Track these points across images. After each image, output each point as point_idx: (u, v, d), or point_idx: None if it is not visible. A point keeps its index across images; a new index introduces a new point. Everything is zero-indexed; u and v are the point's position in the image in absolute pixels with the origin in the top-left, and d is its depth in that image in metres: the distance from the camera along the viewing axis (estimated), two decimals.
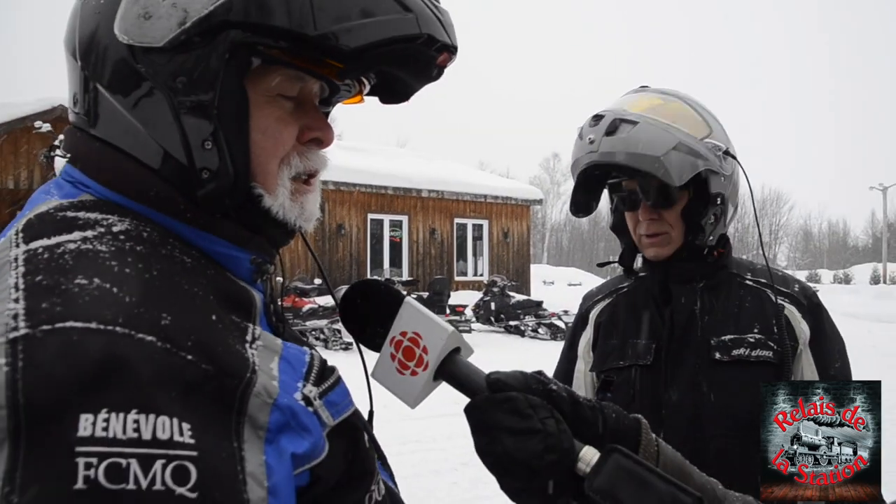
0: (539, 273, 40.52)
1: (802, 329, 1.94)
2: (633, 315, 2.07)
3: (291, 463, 0.75)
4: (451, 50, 0.94)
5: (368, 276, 22.03)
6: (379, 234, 24.04)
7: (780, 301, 1.97)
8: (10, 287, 0.71)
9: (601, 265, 2.35)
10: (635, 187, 1.95)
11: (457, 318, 17.25)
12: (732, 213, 2.03)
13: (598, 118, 1.90)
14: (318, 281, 17.82)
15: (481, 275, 25.66)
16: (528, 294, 24.60)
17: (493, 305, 19.48)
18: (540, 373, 0.99)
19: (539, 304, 19.47)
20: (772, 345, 1.90)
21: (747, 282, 2.03)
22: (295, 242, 1.06)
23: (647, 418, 1.88)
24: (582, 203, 2.06)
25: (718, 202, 1.91)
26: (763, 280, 2.02)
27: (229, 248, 0.91)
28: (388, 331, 1.02)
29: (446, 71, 1.00)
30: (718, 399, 1.88)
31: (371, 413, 1.08)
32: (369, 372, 1.05)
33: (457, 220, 25.64)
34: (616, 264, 2.21)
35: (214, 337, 0.75)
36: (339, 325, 12.92)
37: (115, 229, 0.81)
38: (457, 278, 25.16)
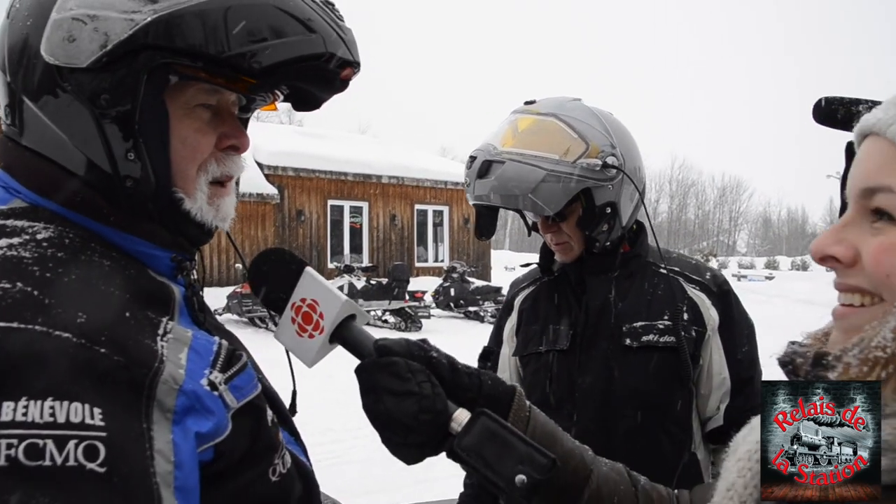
0: (501, 259, 40.71)
1: (711, 315, 2.05)
2: (554, 303, 2.18)
3: (196, 440, 0.84)
4: (354, 65, 1.03)
5: (329, 263, 21.95)
6: (339, 220, 23.95)
7: (690, 288, 2.08)
8: None
9: (524, 266, 2.48)
10: None
11: (416, 303, 17.19)
12: (638, 200, 2.11)
13: (472, 159, 2.06)
14: None
15: (442, 261, 25.73)
16: (489, 280, 24.72)
17: (452, 291, 19.51)
18: (424, 341, 1.09)
19: (498, 290, 19.54)
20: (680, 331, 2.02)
21: (661, 270, 2.12)
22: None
23: (562, 400, 2.05)
24: (484, 227, 2.25)
25: (608, 211, 2.02)
26: (676, 268, 2.13)
27: (150, 247, 1.00)
28: (290, 297, 1.12)
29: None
30: (627, 383, 2.00)
31: (294, 393, 1.20)
32: (275, 334, 1.14)
33: (417, 206, 25.65)
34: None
35: (126, 332, 0.83)
36: None
37: (39, 237, 0.90)
38: (417, 264, 25.21)
